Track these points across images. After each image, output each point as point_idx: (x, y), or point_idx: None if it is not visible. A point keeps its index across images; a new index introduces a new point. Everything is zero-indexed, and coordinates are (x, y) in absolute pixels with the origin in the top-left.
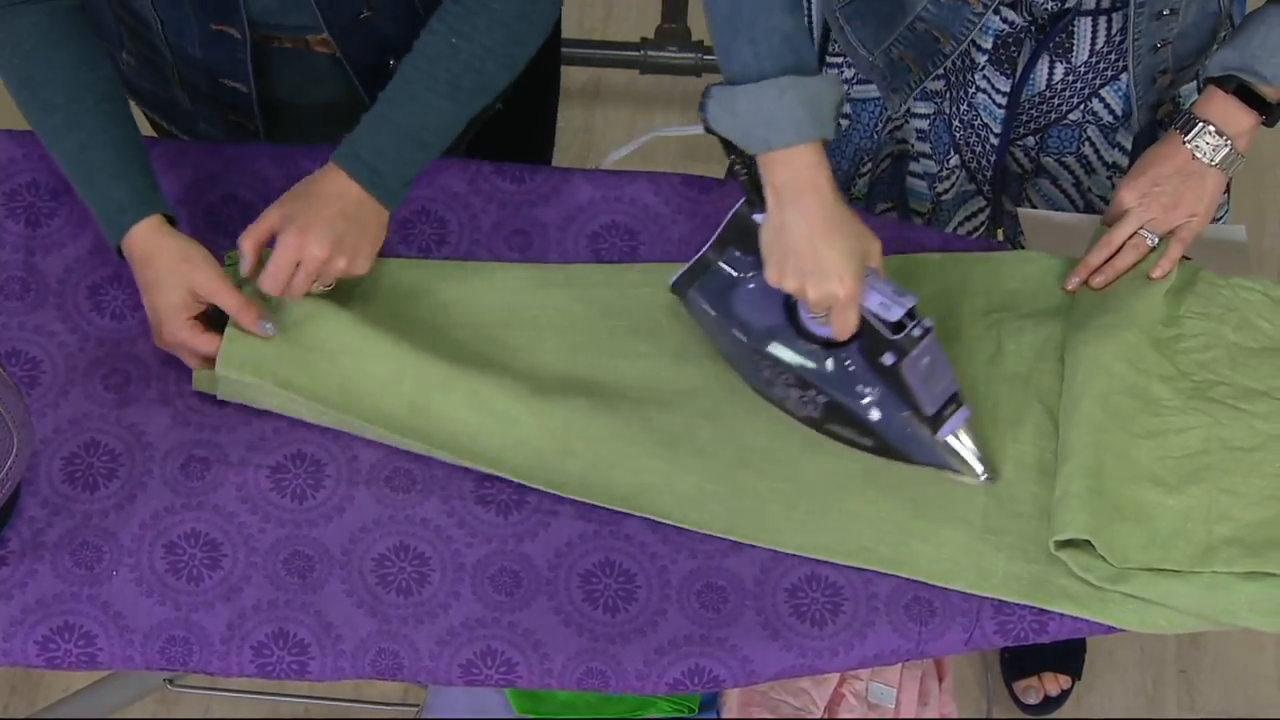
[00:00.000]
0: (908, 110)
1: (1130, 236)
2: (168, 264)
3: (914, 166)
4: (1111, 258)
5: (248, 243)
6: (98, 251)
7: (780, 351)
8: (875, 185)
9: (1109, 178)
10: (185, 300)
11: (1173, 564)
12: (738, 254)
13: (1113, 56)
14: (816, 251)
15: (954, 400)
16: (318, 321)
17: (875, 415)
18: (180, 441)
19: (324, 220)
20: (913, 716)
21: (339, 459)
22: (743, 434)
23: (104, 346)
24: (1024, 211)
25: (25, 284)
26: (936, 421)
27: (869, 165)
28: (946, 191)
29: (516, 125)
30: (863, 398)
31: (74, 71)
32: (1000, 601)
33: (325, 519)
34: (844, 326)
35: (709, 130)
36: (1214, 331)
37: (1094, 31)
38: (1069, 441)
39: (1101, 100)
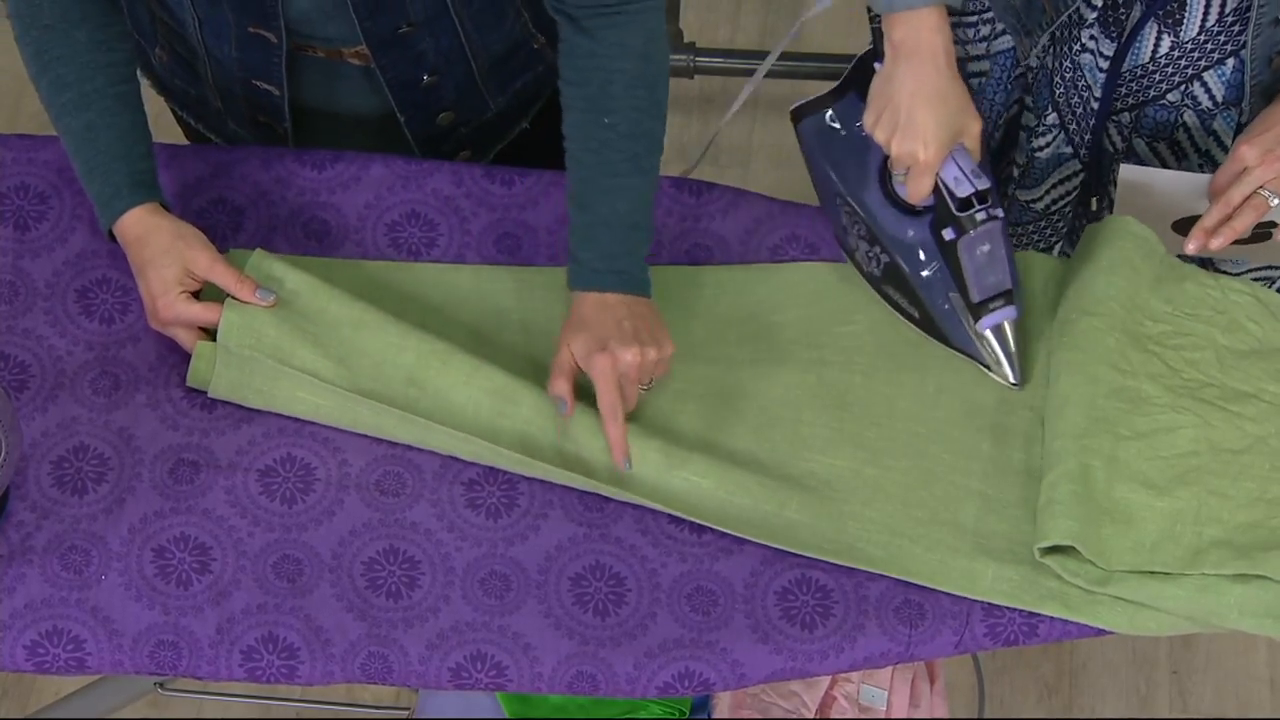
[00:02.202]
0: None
1: (1249, 196)
2: (163, 242)
3: (1024, 118)
4: (1229, 218)
5: (562, 388)
6: (87, 255)
7: (860, 201)
8: (1004, 135)
9: (1200, 166)
10: (180, 276)
11: (1162, 566)
12: (854, 99)
13: (1222, 38)
14: (913, 110)
15: (1005, 296)
16: (319, 296)
17: (926, 287)
18: (169, 445)
19: (614, 330)
20: (904, 718)
21: (329, 462)
22: (730, 436)
23: (93, 350)
24: (1125, 167)
25: (13, 287)
26: (980, 310)
27: (1003, 117)
28: (1042, 149)
29: (545, 144)
30: (920, 267)
31: (90, 52)
32: (990, 604)
33: (315, 523)
34: (917, 190)
35: None
36: (1203, 333)
37: (1207, 6)
38: (1053, 449)
39: (1203, 84)
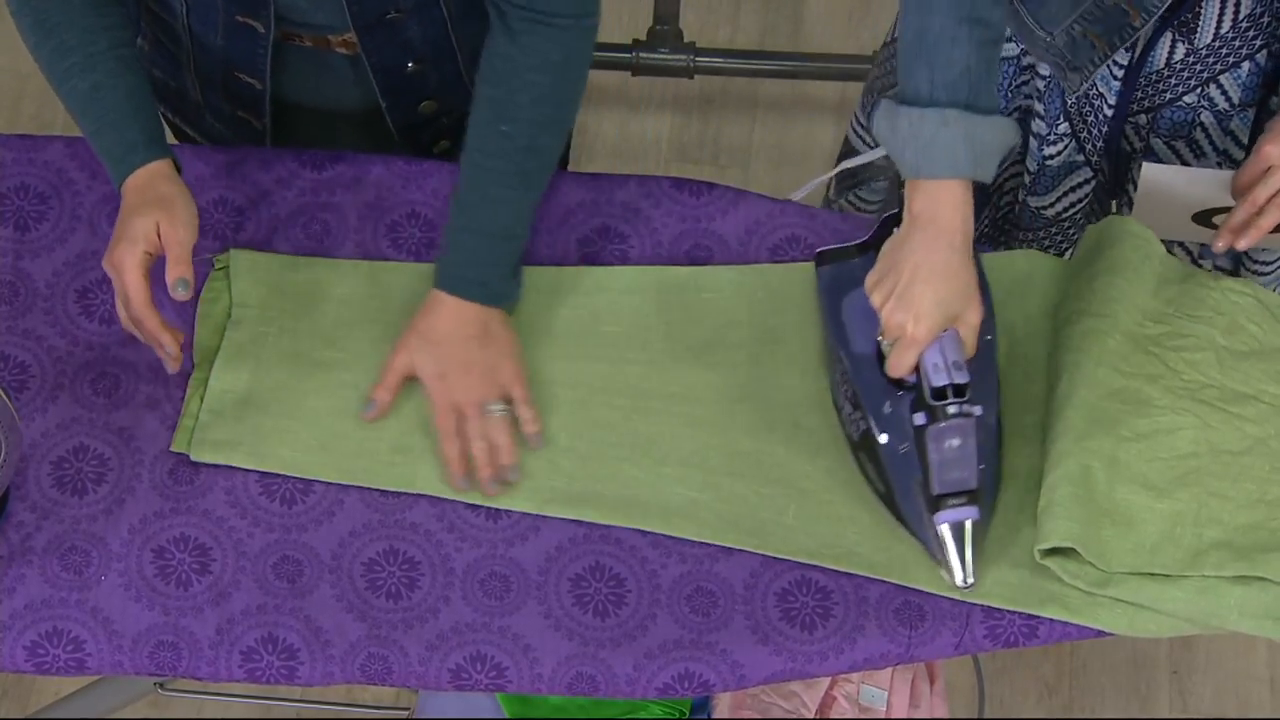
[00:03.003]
0: (1033, 66)
1: (1275, 195)
2: (156, 197)
3: (1033, 125)
4: (1256, 215)
5: (384, 396)
6: (86, 255)
7: (853, 361)
8: None
9: (1219, 164)
10: (149, 233)
11: (1162, 568)
12: (874, 258)
13: (1237, 43)
14: (913, 282)
15: (968, 495)
16: (298, 390)
17: (894, 466)
18: (169, 445)
19: (457, 361)
20: (904, 718)
21: None
22: (729, 439)
23: (93, 350)
24: (1148, 165)
25: (14, 288)
26: (938, 503)
27: None
28: (1053, 157)
29: None
30: (892, 444)
31: (89, 16)
32: (990, 606)
33: (315, 524)
34: (897, 364)
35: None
36: (1203, 334)
37: (1221, 14)
38: (1053, 451)
39: (1219, 87)
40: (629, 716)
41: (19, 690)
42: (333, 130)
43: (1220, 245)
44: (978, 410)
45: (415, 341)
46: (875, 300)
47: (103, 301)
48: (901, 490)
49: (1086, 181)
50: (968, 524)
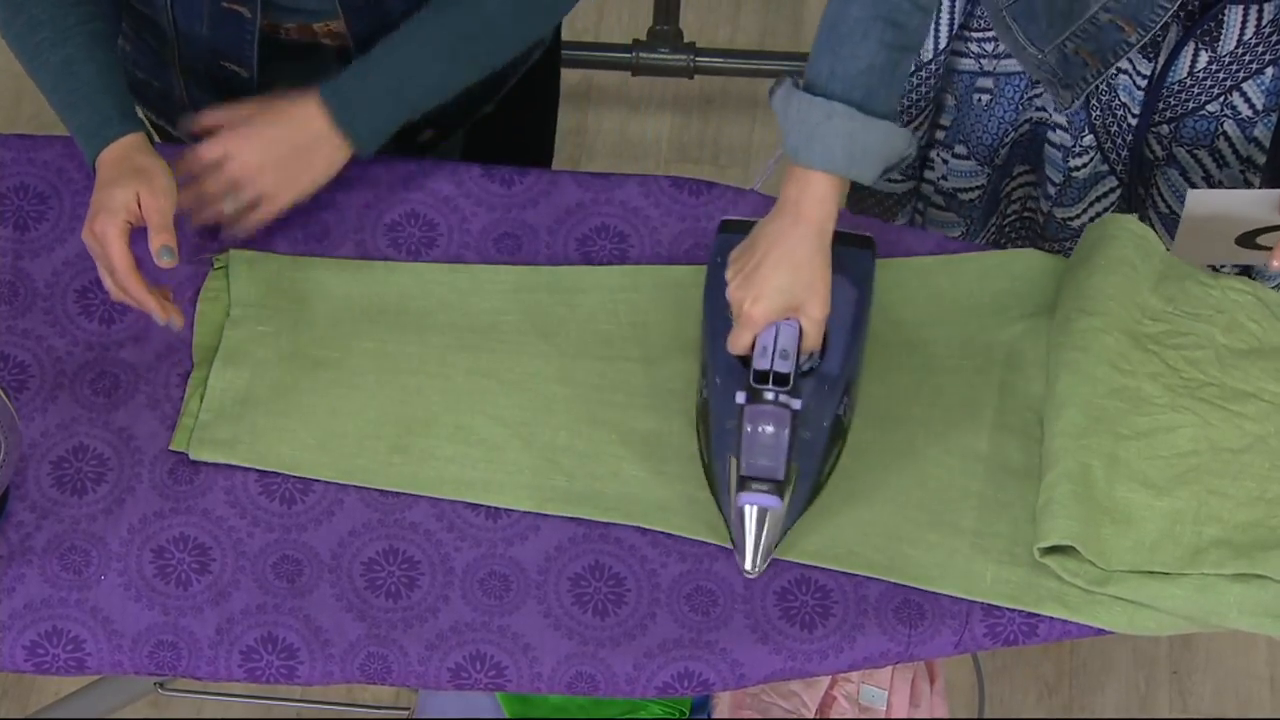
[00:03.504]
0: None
1: None
2: (132, 168)
3: (1051, 136)
4: None
5: (199, 125)
6: (86, 255)
7: (709, 332)
8: (1014, 149)
9: (1242, 172)
10: (129, 203)
11: (1161, 566)
12: None
13: (1260, 49)
14: (761, 265)
15: (773, 485)
16: (297, 390)
17: (718, 438)
18: (168, 445)
19: (272, 137)
20: (904, 718)
21: None
22: None
23: (92, 350)
24: (1193, 192)
25: (13, 288)
26: (743, 484)
27: (1011, 134)
28: (1080, 169)
29: (514, 130)
30: (721, 417)
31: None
32: (990, 604)
33: (314, 523)
34: (733, 340)
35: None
36: (1203, 332)
37: (1244, 21)
38: (1053, 449)
39: (1242, 94)
40: (629, 716)
41: (19, 690)
42: None
43: (1276, 265)
44: (796, 404)
45: (257, 103)
46: (728, 274)
47: (102, 301)
48: (719, 463)
49: (1112, 190)
50: (769, 512)
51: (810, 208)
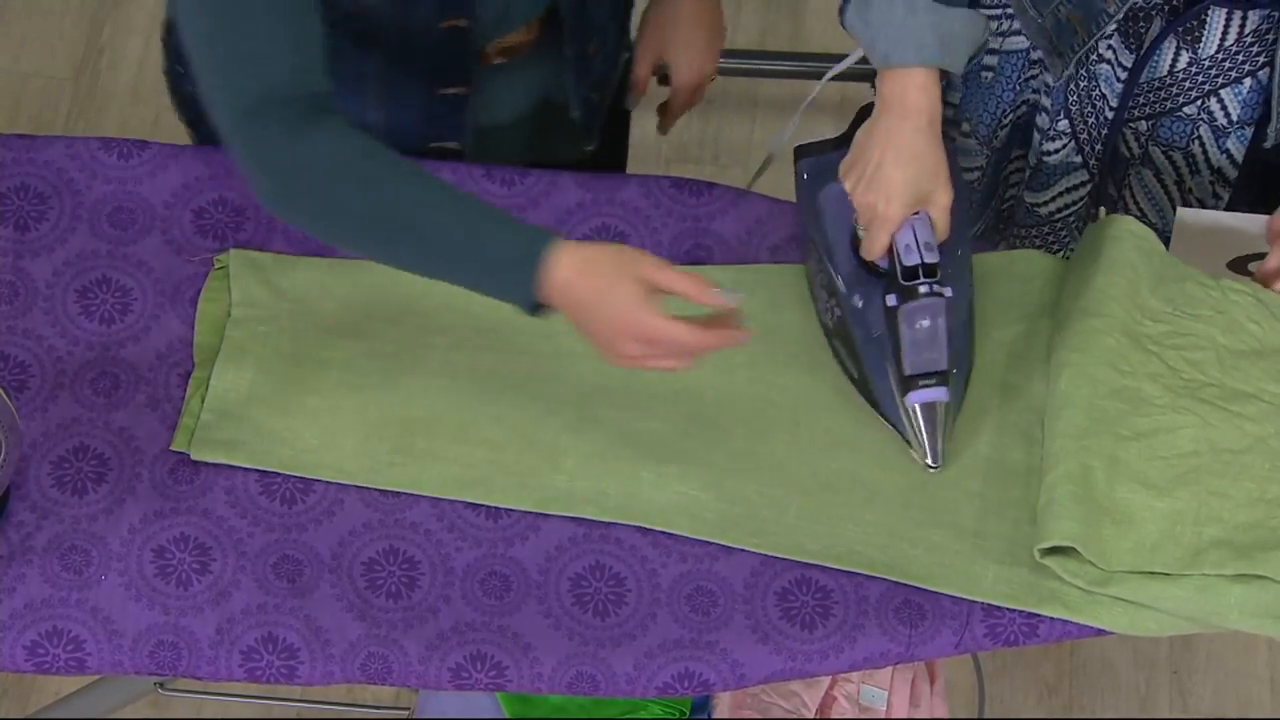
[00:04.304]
0: (1040, 61)
1: None
2: (609, 265)
3: (1037, 119)
4: None
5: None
6: (86, 255)
7: (828, 250)
8: (1012, 131)
9: (1211, 181)
10: (640, 293)
11: (1162, 567)
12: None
13: (1240, 58)
14: (883, 164)
15: (938, 377)
16: (298, 390)
17: (867, 350)
18: (169, 445)
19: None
20: (904, 718)
21: None
22: (729, 438)
23: (93, 350)
24: (1183, 210)
25: (13, 288)
26: (909, 384)
27: (1009, 115)
28: (1052, 153)
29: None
30: (865, 329)
31: (399, 157)
32: (990, 605)
33: (315, 523)
34: (870, 246)
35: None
36: (1203, 333)
37: (1226, 25)
38: (1053, 450)
39: (1220, 101)
40: (629, 716)
41: (19, 690)
42: (517, 138)
43: (1278, 287)
44: (948, 291)
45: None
46: (848, 185)
47: (102, 301)
48: (874, 374)
49: (1083, 184)
50: (939, 405)
51: (915, 98)
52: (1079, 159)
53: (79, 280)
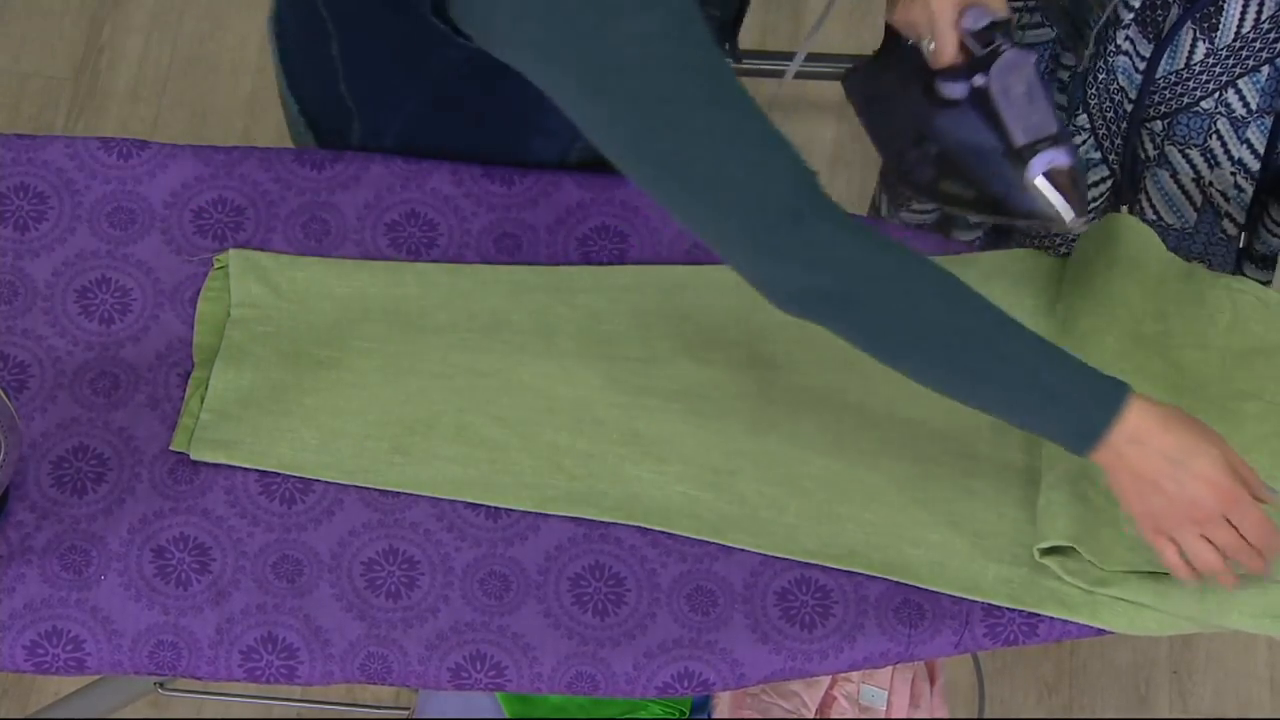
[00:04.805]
0: (1058, 56)
1: None
2: (1191, 426)
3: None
4: None
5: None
6: (86, 255)
7: (905, 108)
8: None
9: (1233, 174)
10: (1227, 462)
11: (1161, 567)
12: (892, 45)
13: (1258, 45)
14: None
15: (1050, 140)
16: (297, 390)
17: (975, 156)
18: (168, 445)
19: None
20: (904, 718)
21: None
22: (729, 437)
23: (92, 350)
24: None
25: (13, 288)
26: (1026, 153)
27: None
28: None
29: None
30: (966, 137)
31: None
32: (990, 605)
33: (314, 523)
34: (940, 52)
35: None
36: (1205, 332)
37: (1243, 13)
38: (1053, 450)
39: (1237, 91)
40: (629, 716)
41: (19, 690)
42: None
43: None
44: (1031, 54)
45: None
46: (899, 15)
47: (102, 301)
48: (993, 176)
49: (1104, 179)
50: (1059, 168)
51: None
52: (1098, 154)
53: (78, 280)
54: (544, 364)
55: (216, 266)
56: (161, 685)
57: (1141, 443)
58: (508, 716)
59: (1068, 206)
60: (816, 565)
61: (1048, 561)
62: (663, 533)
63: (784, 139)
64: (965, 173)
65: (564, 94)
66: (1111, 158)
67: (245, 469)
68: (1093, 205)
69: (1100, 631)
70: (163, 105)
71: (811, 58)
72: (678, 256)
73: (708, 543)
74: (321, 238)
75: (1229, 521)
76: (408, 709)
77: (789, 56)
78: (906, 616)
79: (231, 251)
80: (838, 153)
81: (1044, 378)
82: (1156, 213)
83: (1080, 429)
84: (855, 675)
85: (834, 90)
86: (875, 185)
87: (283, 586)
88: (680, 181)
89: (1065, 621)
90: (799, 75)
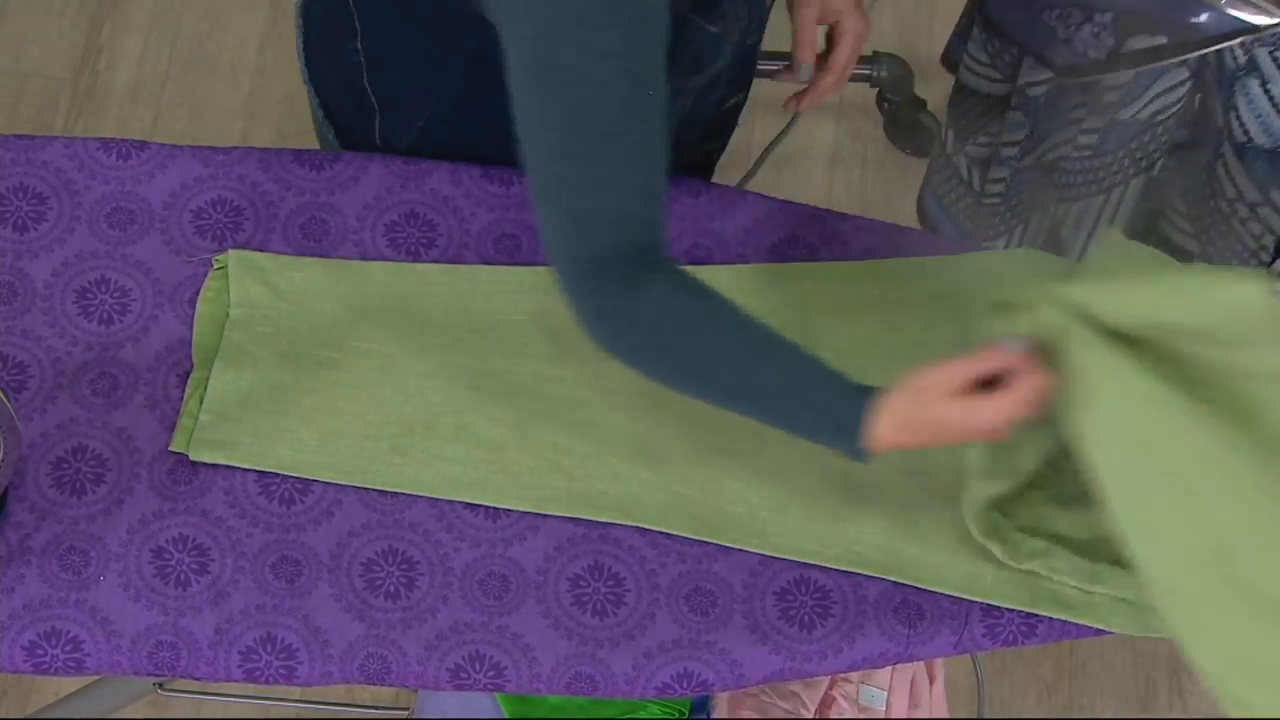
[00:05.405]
0: None
1: None
2: (918, 413)
3: None
4: None
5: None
6: (86, 256)
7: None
8: None
9: None
10: (957, 405)
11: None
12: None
13: None
14: None
15: None
16: (297, 390)
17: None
18: (168, 446)
19: None
20: (903, 718)
21: None
22: (729, 437)
23: (91, 351)
24: None
25: (12, 288)
26: None
27: None
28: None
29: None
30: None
31: (726, 304)
32: (989, 605)
33: (313, 523)
34: None
35: None
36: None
37: None
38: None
39: None
40: (628, 716)
41: (18, 690)
42: None
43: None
44: None
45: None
46: None
47: (101, 302)
48: None
49: (1181, 83)
50: None
51: None
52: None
53: (78, 281)
54: (543, 364)
55: (216, 267)
56: (161, 685)
57: (897, 444)
58: (507, 717)
59: None
60: (816, 565)
61: (1034, 565)
62: (662, 533)
63: (653, 195)
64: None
65: (513, 62)
66: (1191, 59)
67: (244, 469)
68: (1170, 110)
69: (1100, 631)
70: (162, 105)
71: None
72: (677, 256)
73: (707, 543)
74: (321, 238)
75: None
76: (407, 709)
77: (789, 57)
78: (905, 617)
79: (231, 252)
80: (837, 152)
81: (808, 413)
82: (1247, 132)
83: (847, 448)
84: (854, 675)
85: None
86: (944, 123)
87: (282, 587)
88: (548, 201)
89: (1064, 621)
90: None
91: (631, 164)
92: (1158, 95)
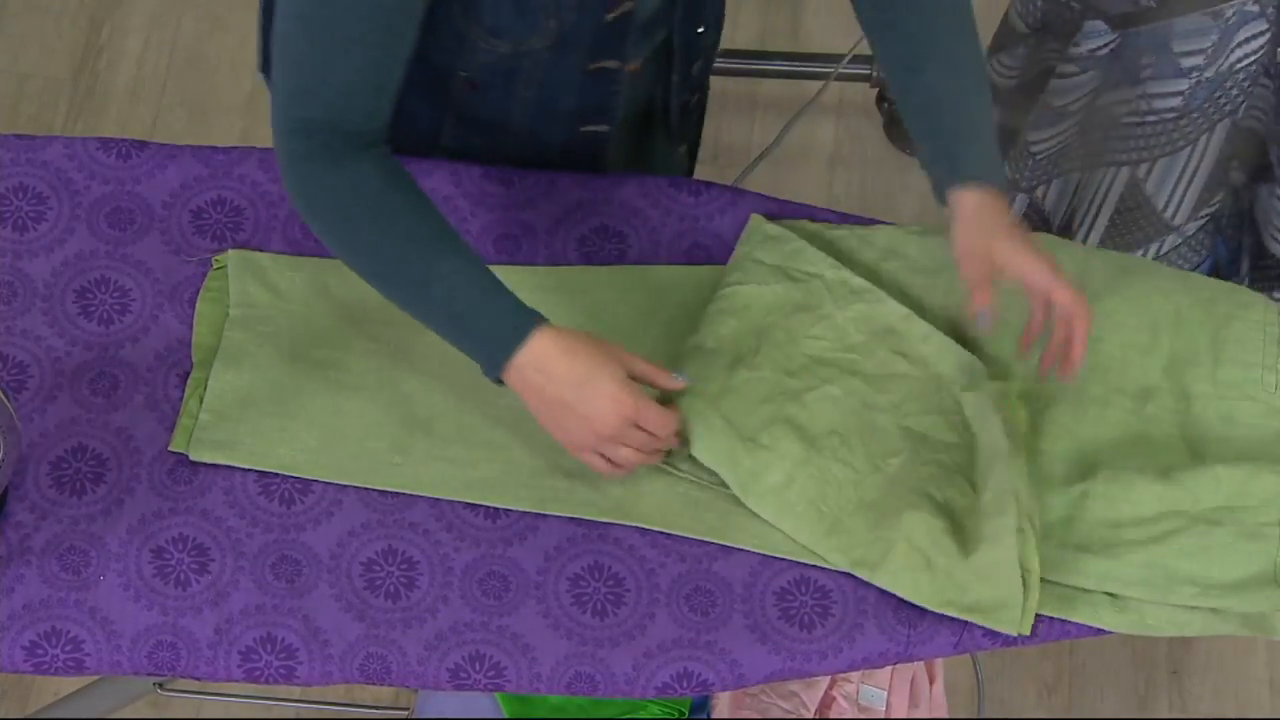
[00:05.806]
0: None
1: None
2: (591, 351)
3: None
4: None
5: (989, 298)
6: (85, 255)
7: None
8: None
9: None
10: (624, 375)
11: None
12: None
13: None
14: None
15: None
16: (297, 391)
17: None
18: (168, 446)
19: (1014, 230)
20: (903, 718)
21: None
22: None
23: (91, 350)
24: None
25: (12, 288)
26: None
27: None
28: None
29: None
30: None
31: (426, 203)
32: None
33: (313, 523)
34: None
35: None
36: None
37: None
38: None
39: None
40: (628, 716)
41: (19, 690)
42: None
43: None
44: None
45: (994, 241)
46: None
47: (101, 302)
48: None
49: (1260, 33)
50: None
51: None
52: (1255, 7)
53: (78, 280)
54: None
55: (215, 267)
56: (161, 685)
57: (544, 370)
58: (507, 717)
59: None
60: (815, 565)
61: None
62: (662, 533)
63: (385, 90)
64: None
65: None
66: (1270, 10)
67: (244, 469)
68: (1251, 58)
69: (1100, 631)
70: (162, 105)
71: (811, 57)
72: (677, 257)
73: (707, 543)
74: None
75: (639, 425)
76: (407, 709)
77: (789, 57)
78: (905, 617)
79: (231, 252)
80: (837, 152)
81: (458, 306)
82: None
83: (489, 355)
84: (854, 675)
85: (834, 90)
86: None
87: (282, 587)
88: (283, 69)
89: (1065, 621)
90: (798, 75)
91: (366, 49)
92: (1238, 44)
